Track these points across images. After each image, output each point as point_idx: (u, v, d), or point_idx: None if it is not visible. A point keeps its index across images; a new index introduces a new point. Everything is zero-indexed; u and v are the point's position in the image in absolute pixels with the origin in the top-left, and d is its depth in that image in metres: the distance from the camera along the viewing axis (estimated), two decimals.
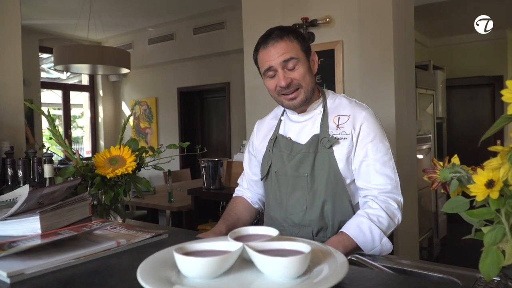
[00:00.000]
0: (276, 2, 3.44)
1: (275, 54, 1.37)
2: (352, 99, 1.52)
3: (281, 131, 1.53)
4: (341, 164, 1.39)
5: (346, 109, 1.47)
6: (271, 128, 1.59)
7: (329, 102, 1.50)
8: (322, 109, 1.48)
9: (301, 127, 1.49)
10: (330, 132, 1.42)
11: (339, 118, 1.45)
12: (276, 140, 1.51)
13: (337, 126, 1.43)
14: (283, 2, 3.40)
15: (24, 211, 1.10)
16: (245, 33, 3.67)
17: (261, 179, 1.56)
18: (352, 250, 1.27)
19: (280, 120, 1.57)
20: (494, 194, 0.65)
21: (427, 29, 6.02)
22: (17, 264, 0.83)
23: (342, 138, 1.40)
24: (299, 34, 1.44)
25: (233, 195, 1.73)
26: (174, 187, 4.32)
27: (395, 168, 1.42)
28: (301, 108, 1.48)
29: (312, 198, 1.40)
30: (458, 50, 6.48)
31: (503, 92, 0.65)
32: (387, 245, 1.32)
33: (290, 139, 1.48)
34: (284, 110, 1.57)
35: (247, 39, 3.67)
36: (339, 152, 1.39)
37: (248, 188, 1.69)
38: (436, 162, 0.82)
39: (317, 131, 1.44)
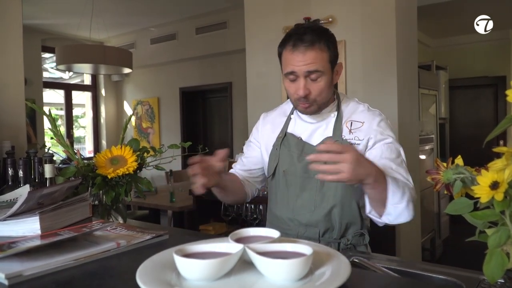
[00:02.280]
0: (278, 2, 3.43)
1: (302, 61, 1.32)
2: (365, 104, 1.50)
3: (290, 130, 1.50)
4: None
5: (361, 115, 1.45)
6: (278, 124, 1.56)
7: (342, 106, 1.48)
8: (336, 113, 1.46)
9: (313, 128, 1.46)
10: (343, 137, 1.41)
11: (351, 123, 1.44)
12: (285, 138, 1.49)
13: (350, 131, 1.42)
14: (285, 2, 3.39)
15: (23, 212, 1.09)
16: (247, 33, 3.67)
17: (268, 177, 1.54)
18: (381, 189, 1.19)
19: (289, 118, 1.53)
20: (499, 196, 0.64)
21: (430, 29, 6.01)
22: (16, 266, 0.83)
23: (355, 144, 1.39)
24: (332, 41, 1.38)
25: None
26: (176, 187, 4.32)
27: (408, 172, 1.39)
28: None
29: (321, 199, 1.40)
30: (461, 51, 6.46)
31: (508, 92, 0.64)
32: (410, 208, 1.24)
33: (301, 139, 1.46)
34: (294, 108, 1.54)
35: (249, 39, 3.66)
36: None
37: (244, 170, 1.62)
38: (440, 163, 0.81)
39: (330, 133, 1.43)
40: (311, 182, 1.41)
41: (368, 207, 1.31)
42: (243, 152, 1.71)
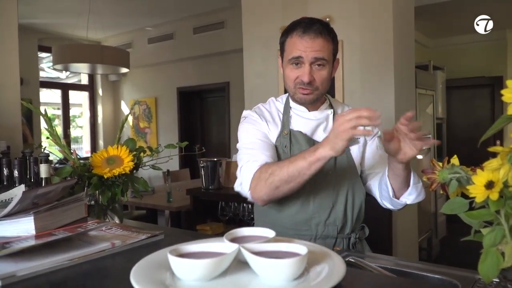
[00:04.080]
0: (276, 1, 3.43)
1: (311, 47, 1.35)
2: (346, 105, 1.60)
3: (293, 127, 1.47)
4: (356, 161, 1.46)
5: None
6: (276, 121, 1.49)
7: (333, 105, 1.54)
8: (332, 110, 1.50)
9: (316, 125, 1.47)
10: None
11: None
12: (292, 135, 1.44)
13: None
14: (282, 1, 3.39)
15: (18, 212, 1.08)
16: (244, 33, 3.66)
17: None
18: (409, 167, 1.29)
19: (289, 115, 1.49)
20: (494, 195, 0.64)
21: (427, 29, 6.01)
22: (9, 266, 0.82)
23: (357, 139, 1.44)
24: (335, 36, 1.43)
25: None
26: (173, 187, 4.31)
27: None
28: (313, 105, 1.47)
29: (337, 195, 1.42)
30: (458, 51, 6.47)
31: (503, 92, 0.64)
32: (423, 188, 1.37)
33: (307, 135, 1.45)
34: (289, 106, 1.50)
35: (246, 39, 3.66)
36: (354, 151, 1.46)
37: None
38: (435, 163, 0.81)
39: None
40: (327, 178, 1.41)
41: (391, 191, 1.35)
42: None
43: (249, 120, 1.50)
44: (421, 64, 4.73)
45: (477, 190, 0.66)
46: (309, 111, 1.48)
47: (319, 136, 1.45)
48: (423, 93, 4.43)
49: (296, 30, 1.38)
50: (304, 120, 1.48)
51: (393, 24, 2.93)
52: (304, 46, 1.35)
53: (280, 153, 1.45)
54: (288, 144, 1.43)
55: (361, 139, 1.46)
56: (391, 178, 1.33)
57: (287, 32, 1.42)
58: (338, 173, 1.42)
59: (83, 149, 7.73)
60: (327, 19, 3.11)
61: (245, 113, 1.54)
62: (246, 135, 1.47)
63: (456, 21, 5.71)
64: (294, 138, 1.45)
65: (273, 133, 1.46)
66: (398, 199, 1.36)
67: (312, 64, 1.36)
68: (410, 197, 1.35)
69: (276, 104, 1.55)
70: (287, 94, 1.53)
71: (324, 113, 1.48)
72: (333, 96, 3.09)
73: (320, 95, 1.44)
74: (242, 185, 1.39)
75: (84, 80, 7.79)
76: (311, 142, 1.43)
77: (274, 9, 3.43)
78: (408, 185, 1.33)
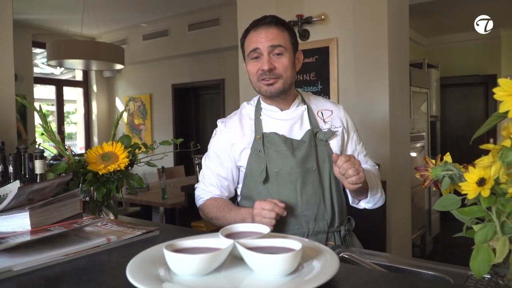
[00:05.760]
0: None
1: (265, 37, 1.39)
2: (320, 96, 1.63)
3: (265, 130, 1.47)
4: None
5: (326, 105, 1.56)
6: (246, 127, 1.51)
7: (305, 99, 1.56)
8: (305, 106, 1.51)
9: (290, 124, 1.47)
10: (321, 127, 1.48)
11: (322, 112, 1.52)
12: (265, 138, 1.44)
13: (324, 121, 1.51)
14: None
15: (13, 207, 1.09)
16: (239, 30, 3.66)
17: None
18: (365, 185, 1.38)
19: (259, 120, 1.49)
20: (485, 192, 0.65)
21: (422, 27, 6.03)
22: (5, 261, 0.82)
23: (335, 131, 1.49)
24: (291, 28, 1.47)
25: (206, 199, 1.56)
26: (168, 184, 4.31)
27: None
28: (284, 103, 1.50)
29: (323, 190, 1.44)
30: (452, 49, 6.50)
31: (495, 90, 0.65)
32: (383, 194, 1.49)
33: (284, 136, 1.45)
34: (261, 109, 1.52)
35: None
36: (334, 144, 1.48)
37: (222, 190, 1.55)
38: (428, 160, 0.82)
39: (308, 126, 1.48)
40: (311, 176, 1.43)
41: (350, 200, 1.53)
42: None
43: (217, 137, 1.57)
44: (415, 62, 4.75)
45: (469, 187, 0.67)
46: (282, 110, 1.50)
47: (295, 134, 1.46)
48: (417, 91, 4.45)
49: (252, 27, 1.44)
50: (277, 121, 1.48)
51: (388, 22, 2.94)
52: (259, 37, 1.40)
53: (256, 157, 1.45)
54: (262, 149, 1.44)
55: (339, 131, 1.50)
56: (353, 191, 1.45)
57: (245, 32, 1.48)
58: (321, 169, 1.45)
59: (77, 146, 7.70)
60: (322, 17, 3.12)
61: (217, 125, 1.60)
62: (210, 152, 1.58)
63: (451, 19, 5.73)
64: (269, 141, 1.45)
65: (245, 141, 1.49)
66: (357, 204, 1.51)
67: (270, 53, 1.40)
68: (368, 204, 1.49)
69: (248, 109, 1.57)
70: (259, 95, 1.55)
71: (297, 110, 1.50)
72: (327, 94, 3.13)
73: (287, 85, 1.43)
74: (196, 202, 1.61)
75: (79, 76, 7.74)
76: (288, 142, 1.43)
77: (269, 6, 3.43)
78: (366, 195, 1.45)
